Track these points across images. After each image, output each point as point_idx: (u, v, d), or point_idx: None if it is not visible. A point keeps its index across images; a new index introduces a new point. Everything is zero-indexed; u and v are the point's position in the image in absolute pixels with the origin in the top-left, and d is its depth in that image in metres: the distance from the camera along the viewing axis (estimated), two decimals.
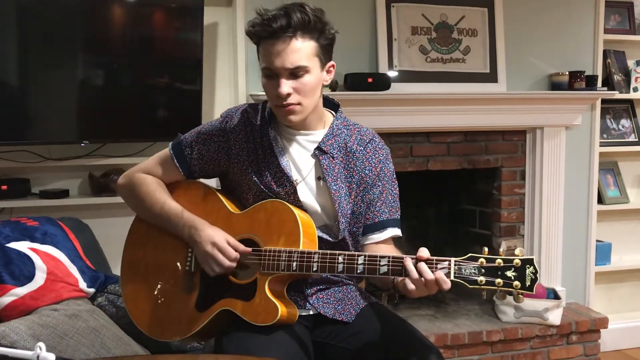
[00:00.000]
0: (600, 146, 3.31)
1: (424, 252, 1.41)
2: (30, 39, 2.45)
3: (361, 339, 1.58)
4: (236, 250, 1.55)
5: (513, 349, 3.00)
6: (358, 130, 1.71)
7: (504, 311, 3.06)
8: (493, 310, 3.15)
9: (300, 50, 1.52)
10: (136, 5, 2.61)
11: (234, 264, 1.55)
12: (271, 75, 1.55)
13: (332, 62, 1.62)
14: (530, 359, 3.03)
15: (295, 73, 1.54)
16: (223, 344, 1.55)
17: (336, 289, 1.68)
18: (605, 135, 3.41)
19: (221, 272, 1.56)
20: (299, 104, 1.56)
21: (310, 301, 1.63)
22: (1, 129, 2.45)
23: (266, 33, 1.52)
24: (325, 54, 1.59)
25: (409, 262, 1.40)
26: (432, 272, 1.37)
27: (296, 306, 1.59)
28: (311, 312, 1.63)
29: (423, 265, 1.38)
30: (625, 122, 3.48)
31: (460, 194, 3.53)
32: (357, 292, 1.71)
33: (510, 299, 1.36)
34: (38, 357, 0.87)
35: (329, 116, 1.70)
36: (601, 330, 3.14)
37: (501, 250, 1.38)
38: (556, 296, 3.08)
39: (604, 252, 3.41)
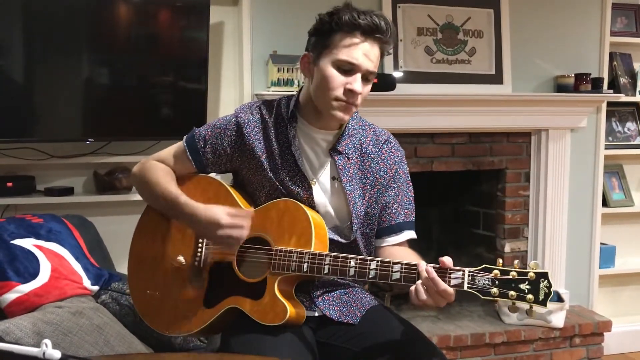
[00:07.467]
0: (605, 149, 3.30)
1: (445, 262, 1.38)
2: (36, 36, 2.46)
3: (365, 341, 1.57)
4: (239, 215, 1.52)
5: (516, 351, 2.99)
6: (373, 131, 1.71)
7: (507, 313, 3.05)
8: (496, 312, 3.14)
9: (378, 58, 1.56)
10: (142, 4, 2.61)
11: (245, 232, 1.52)
12: (347, 69, 1.53)
13: None
14: None
15: (367, 77, 1.56)
16: (230, 343, 1.54)
17: (342, 290, 1.67)
18: (610, 138, 3.40)
19: (239, 243, 1.55)
20: (356, 105, 1.58)
21: (317, 303, 1.62)
22: (7, 127, 2.45)
23: (368, 28, 1.50)
24: None
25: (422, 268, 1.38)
26: (446, 282, 1.35)
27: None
28: (316, 314, 1.63)
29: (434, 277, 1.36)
30: (630, 125, 3.47)
31: (464, 195, 3.53)
32: (363, 294, 1.70)
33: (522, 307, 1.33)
34: (44, 354, 0.87)
35: None
36: (604, 333, 3.13)
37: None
38: (560, 299, 3.07)
39: (608, 255, 3.40)
